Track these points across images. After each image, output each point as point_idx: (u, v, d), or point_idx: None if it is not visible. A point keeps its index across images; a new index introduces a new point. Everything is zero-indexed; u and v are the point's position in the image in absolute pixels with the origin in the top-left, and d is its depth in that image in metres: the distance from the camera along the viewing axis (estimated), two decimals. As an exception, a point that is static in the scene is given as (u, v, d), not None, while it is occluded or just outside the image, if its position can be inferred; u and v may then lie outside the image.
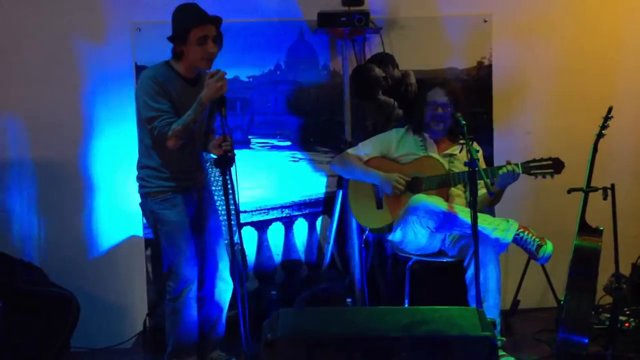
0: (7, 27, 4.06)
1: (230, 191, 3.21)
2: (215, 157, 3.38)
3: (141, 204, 3.51)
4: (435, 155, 3.83)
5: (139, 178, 3.48)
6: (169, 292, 3.47)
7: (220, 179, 3.25)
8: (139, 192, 3.49)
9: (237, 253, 3.22)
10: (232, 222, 3.28)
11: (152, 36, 4.03)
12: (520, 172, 3.56)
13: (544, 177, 3.58)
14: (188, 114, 3.27)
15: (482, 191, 3.57)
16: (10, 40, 4.07)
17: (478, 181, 3.36)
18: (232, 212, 3.25)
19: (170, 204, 3.41)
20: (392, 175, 3.78)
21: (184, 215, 3.44)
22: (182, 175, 3.44)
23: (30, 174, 4.14)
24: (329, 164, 4.14)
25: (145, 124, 3.35)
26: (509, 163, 3.57)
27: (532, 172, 3.57)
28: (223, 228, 3.65)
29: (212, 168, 3.87)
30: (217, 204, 3.69)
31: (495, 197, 3.67)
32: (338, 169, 3.98)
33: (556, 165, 3.57)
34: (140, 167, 3.48)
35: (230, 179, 3.23)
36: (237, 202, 3.22)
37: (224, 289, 3.59)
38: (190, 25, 3.27)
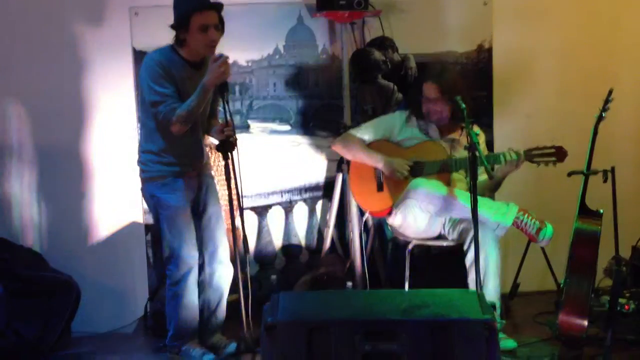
0: (5, 13, 4.04)
1: (232, 176, 3.21)
2: (217, 142, 3.38)
3: (142, 189, 3.51)
4: (437, 139, 3.82)
5: (139, 162, 3.48)
6: (170, 276, 3.48)
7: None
8: (140, 176, 3.49)
9: (238, 238, 3.22)
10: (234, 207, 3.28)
11: (150, 20, 4.01)
12: (523, 159, 3.55)
13: (546, 165, 3.57)
14: (192, 99, 3.26)
15: (482, 177, 3.57)
16: (9, 25, 4.05)
17: (479, 167, 3.35)
18: (234, 196, 3.25)
19: (171, 189, 3.41)
20: (395, 160, 3.77)
21: (185, 199, 3.44)
22: (183, 160, 3.44)
23: (30, 160, 4.13)
24: (329, 148, 4.13)
25: (149, 107, 3.34)
26: (511, 150, 3.56)
27: (535, 160, 3.57)
28: (223, 213, 3.65)
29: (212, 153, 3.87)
30: (218, 189, 3.69)
31: (496, 183, 3.67)
32: (340, 149, 3.94)
33: (559, 154, 3.56)
34: (142, 150, 3.47)
35: (232, 163, 3.24)
36: (239, 187, 3.22)
37: (224, 273, 3.59)
38: (190, 12, 3.25)
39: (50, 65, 4.08)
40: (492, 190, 3.79)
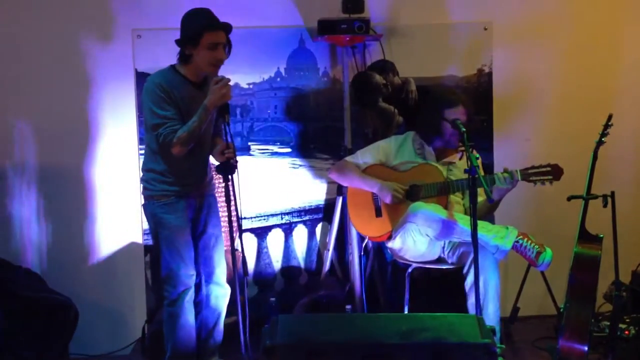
0: (11, 35, 4.07)
1: (233, 198, 3.22)
2: (217, 163, 3.39)
3: (144, 206, 3.52)
4: (434, 163, 3.82)
5: (142, 180, 3.49)
6: (167, 296, 3.47)
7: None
8: (142, 194, 3.50)
9: (237, 260, 3.22)
10: (234, 229, 3.27)
11: (152, 43, 4.05)
12: (519, 179, 3.55)
13: (542, 183, 3.56)
14: (193, 120, 3.28)
15: (481, 198, 3.57)
16: (14, 47, 4.08)
17: (477, 188, 3.35)
18: (234, 218, 3.25)
19: (173, 209, 3.41)
20: (390, 184, 3.77)
21: (185, 220, 3.44)
22: (186, 181, 3.44)
23: (32, 180, 4.14)
24: (328, 171, 4.14)
25: (151, 130, 3.35)
26: (506, 170, 3.56)
27: (531, 179, 3.56)
28: (223, 234, 3.65)
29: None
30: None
31: (493, 205, 3.66)
32: (336, 176, 3.96)
33: (555, 172, 3.55)
34: (145, 170, 3.48)
35: (233, 185, 3.24)
36: (239, 208, 3.22)
37: (221, 294, 3.58)
38: (203, 29, 3.29)
39: (53, 85, 4.10)
40: (488, 212, 3.78)
